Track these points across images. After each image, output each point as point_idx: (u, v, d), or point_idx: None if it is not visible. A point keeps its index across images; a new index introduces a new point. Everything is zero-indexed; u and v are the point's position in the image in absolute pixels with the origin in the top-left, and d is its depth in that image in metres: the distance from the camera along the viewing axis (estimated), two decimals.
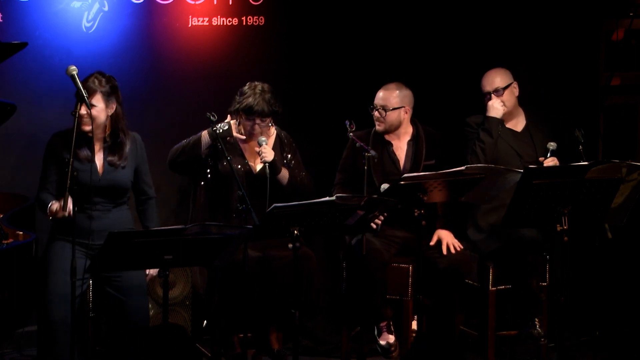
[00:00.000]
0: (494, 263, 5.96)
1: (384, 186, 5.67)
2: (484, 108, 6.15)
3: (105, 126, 5.32)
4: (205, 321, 6.18)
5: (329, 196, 5.12)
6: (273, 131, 5.92)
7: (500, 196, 5.65)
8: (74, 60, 6.02)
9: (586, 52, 7.05)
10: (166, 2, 6.69)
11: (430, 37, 6.91)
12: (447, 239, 5.84)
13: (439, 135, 6.10)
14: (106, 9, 6.58)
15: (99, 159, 5.32)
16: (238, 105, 5.79)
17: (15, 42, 5.50)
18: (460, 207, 5.99)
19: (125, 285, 5.26)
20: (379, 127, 6.03)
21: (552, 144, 6.02)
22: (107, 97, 5.27)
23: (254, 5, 6.79)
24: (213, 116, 5.66)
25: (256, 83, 5.82)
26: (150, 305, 6.35)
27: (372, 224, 5.73)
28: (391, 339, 5.83)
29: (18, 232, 5.57)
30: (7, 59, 5.52)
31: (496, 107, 6.09)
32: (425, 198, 5.36)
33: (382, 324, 5.84)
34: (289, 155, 5.91)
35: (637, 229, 6.13)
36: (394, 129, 6.03)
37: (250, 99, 5.75)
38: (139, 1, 6.64)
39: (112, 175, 5.31)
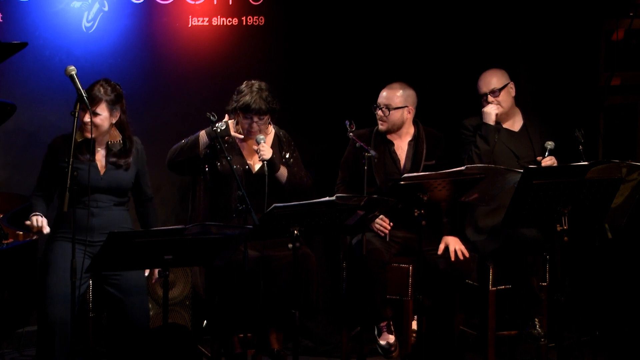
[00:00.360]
0: (494, 263, 5.96)
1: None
2: (481, 109, 6.15)
3: (108, 132, 5.33)
4: (205, 321, 6.18)
5: (330, 196, 5.12)
6: (271, 130, 5.92)
7: (500, 196, 5.65)
8: (74, 60, 6.05)
9: (586, 52, 7.05)
10: (166, 2, 6.69)
11: (430, 37, 6.91)
12: (454, 245, 5.84)
13: (440, 136, 6.10)
14: (106, 9, 6.58)
15: (100, 159, 5.32)
16: (235, 104, 5.79)
17: (15, 42, 5.50)
18: (460, 208, 5.99)
19: (125, 285, 5.26)
20: (381, 127, 6.03)
21: (549, 143, 6.03)
22: (111, 105, 5.27)
23: (254, 5, 6.79)
24: (213, 116, 5.66)
25: (253, 81, 5.82)
26: (150, 305, 6.35)
27: (380, 232, 5.79)
28: (391, 339, 5.83)
29: (18, 232, 5.57)
30: (7, 59, 5.52)
31: (488, 113, 6.09)
32: (425, 198, 5.36)
33: (382, 324, 5.84)
34: (288, 154, 5.91)
35: (637, 229, 6.12)
36: (396, 128, 6.03)
37: (247, 97, 5.74)
38: (139, 1, 6.64)
39: (114, 176, 5.31)
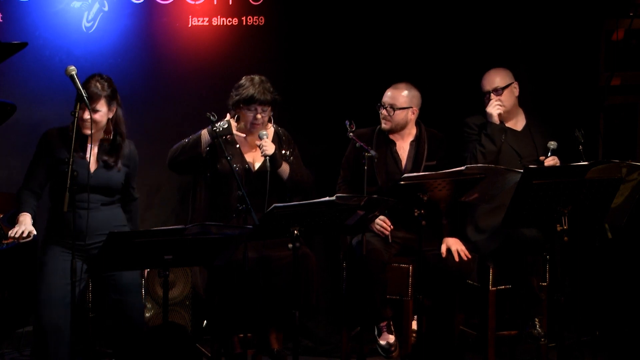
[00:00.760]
0: (494, 263, 5.96)
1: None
2: (484, 108, 6.15)
3: (104, 128, 5.32)
4: (205, 321, 6.18)
5: (330, 196, 5.12)
6: (271, 128, 5.92)
7: (500, 196, 5.65)
8: (74, 60, 6.05)
9: (586, 52, 7.05)
10: (166, 2, 6.69)
11: (430, 36, 6.91)
12: (456, 246, 5.84)
13: (442, 137, 6.10)
14: (106, 9, 6.58)
15: (91, 158, 5.31)
16: (238, 97, 5.78)
17: (15, 42, 5.50)
18: (460, 208, 5.98)
19: (121, 284, 5.25)
20: (385, 126, 6.03)
21: (552, 143, 6.03)
22: (109, 100, 5.27)
23: (254, 5, 6.79)
24: (213, 116, 5.66)
25: (252, 75, 5.83)
26: (150, 305, 6.36)
27: (381, 234, 5.80)
28: (391, 339, 5.83)
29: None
30: (7, 59, 5.52)
31: (490, 113, 6.09)
32: (425, 198, 5.36)
33: (382, 324, 5.84)
34: (288, 152, 5.91)
35: (637, 229, 6.12)
36: (399, 128, 6.03)
37: (250, 89, 5.75)
38: (139, 1, 6.64)
39: (104, 175, 5.30)
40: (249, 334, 5.68)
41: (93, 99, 5.19)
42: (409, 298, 5.88)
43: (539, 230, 5.82)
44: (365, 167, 5.69)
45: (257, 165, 5.84)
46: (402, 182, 5.32)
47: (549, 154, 6.01)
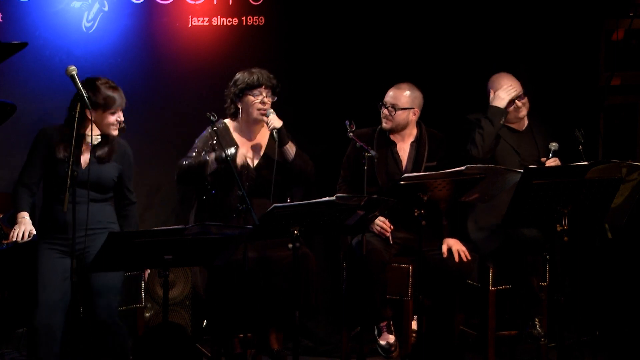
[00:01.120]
0: (494, 263, 5.96)
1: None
2: (485, 107, 6.15)
3: None
4: (205, 321, 6.18)
5: (330, 196, 5.12)
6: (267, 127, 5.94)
7: (500, 196, 5.66)
8: (74, 60, 6.04)
9: (586, 52, 7.05)
10: (166, 2, 6.69)
11: (430, 36, 6.91)
12: (456, 246, 5.83)
13: (442, 137, 6.10)
14: (106, 9, 6.58)
15: (84, 155, 5.32)
16: (243, 85, 5.79)
17: (15, 42, 5.49)
18: (460, 208, 5.99)
19: (96, 285, 5.23)
20: (385, 125, 6.03)
21: (554, 144, 6.02)
22: None
23: (254, 5, 6.79)
24: (213, 116, 5.67)
25: (246, 69, 5.86)
26: (150, 305, 6.35)
27: (381, 235, 5.81)
28: (391, 339, 5.83)
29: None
30: (7, 59, 5.52)
31: (501, 97, 6.08)
32: (425, 198, 5.36)
33: (382, 324, 5.84)
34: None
35: (637, 229, 6.12)
36: (400, 128, 6.03)
37: (255, 75, 5.80)
38: (139, 1, 6.64)
39: (95, 170, 5.31)
40: (249, 334, 5.68)
41: (120, 104, 5.29)
42: (409, 298, 5.88)
43: (539, 230, 5.82)
44: (365, 167, 5.69)
45: (255, 162, 5.84)
46: (402, 182, 5.32)
47: (550, 155, 6.01)
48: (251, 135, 5.90)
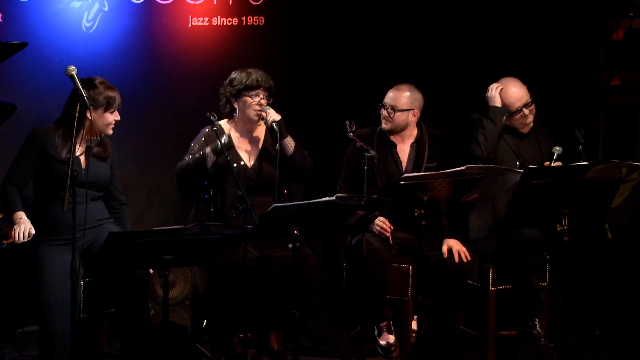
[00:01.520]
0: (494, 263, 5.96)
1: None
2: (486, 107, 6.15)
3: None
4: (205, 321, 6.18)
5: (330, 196, 5.12)
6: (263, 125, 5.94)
7: (500, 196, 5.66)
8: (74, 60, 6.04)
9: (586, 52, 7.05)
10: (166, 2, 6.69)
11: (429, 36, 6.91)
12: (456, 247, 5.83)
13: (442, 137, 6.10)
14: (106, 9, 6.58)
15: (81, 155, 5.33)
16: (240, 85, 5.80)
17: (15, 42, 5.49)
18: (460, 209, 5.98)
19: (41, 299, 5.20)
20: (385, 126, 6.03)
21: (557, 148, 6.00)
22: None
23: (254, 5, 6.79)
24: (213, 116, 5.67)
25: (242, 68, 5.86)
26: (150, 305, 6.34)
27: (381, 235, 5.80)
28: (391, 339, 5.83)
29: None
30: (7, 59, 5.52)
31: (494, 96, 6.07)
32: (425, 198, 5.36)
33: (382, 324, 5.84)
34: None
35: (637, 229, 6.12)
36: (400, 129, 6.03)
37: (253, 75, 5.80)
38: (139, 1, 6.64)
39: (95, 170, 5.31)
40: (249, 334, 5.68)
41: (118, 104, 5.33)
42: (409, 298, 5.88)
43: (539, 230, 5.82)
44: (365, 167, 5.69)
45: (251, 162, 5.85)
46: (402, 182, 5.32)
47: (554, 158, 5.98)
48: (248, 134, 5.91)
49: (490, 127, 6.02)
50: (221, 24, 6.76)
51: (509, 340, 6.17)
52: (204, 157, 5.74)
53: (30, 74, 6.49)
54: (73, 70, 5.09)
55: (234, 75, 5.87)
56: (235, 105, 5.87)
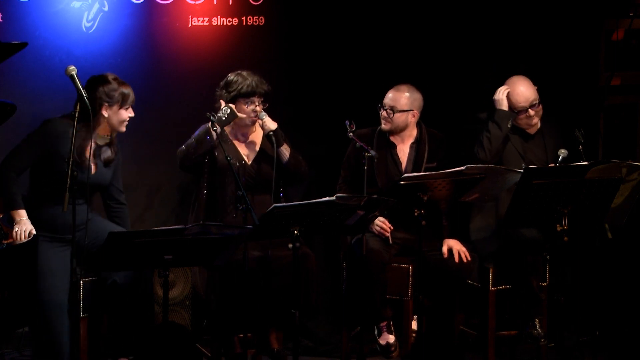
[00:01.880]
0: (494, 263, 5.96)
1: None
2: (486, 107, 6.14)
3: None
4: (205, 321, 6.18)
5: (330, 196, 5.12)
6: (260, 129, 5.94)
7: (501, 196, 5.65)
8: (74, 60, 6.04)
9: (586, 52, 7.05)
10: (166, 2, 6.69)
11: (429, 36, 6.91)
12: (457, 247, 5.83)
13: (442, 137, 6.09)
14: (106, 9, 6.58)
15: (92, 158, 5.32)
16: (235, 92, 5.79)
17: (15, 42, 5.49)
18: (460, 209, 5.98)
19: (43, 300, 5.21)
20: (384, 126, 6.03)
21: (562, 151, 5.98)
22: None
23: (254, 5, 6.79)
24: (213, 116, 5.68)
25: (239, 71, 5.86)
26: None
27: (381, 235, 5.79)
28: (391, 339, 5.83)
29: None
30: (7, 59, 5.52)
31: (501, 99, 6.05)
32: (425, 198, 5.36)
33: (382, 324, 5.84)
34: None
35: (637, 229, 6.12)
36: (399, 130, 6.02)
37: (248, 81, 5.79)
38: (139, 1, 6.64)
39: (101, 174, 5.31)
40: (249, 334, 5.68)
41: (132, 101, 5.36)
42: (409, 298, 5.88)
43: (539, 230, 5.82)
44: (365, 167, 5.69)
45: (250, 160, 5.85)
46: (402, 182, 5.32)
47: (559, 160, 5.97)
48: (245, 135, 5.91)
49: (495, 132, 6.01)
50: (221, 24, 6.76)
51: (509, 340, 6.17)
52: (206, 131, 5.74)
53: (30, 74, 6.49)
54: (73, 70, 5.09)
55: (230, 77, 5.86)
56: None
